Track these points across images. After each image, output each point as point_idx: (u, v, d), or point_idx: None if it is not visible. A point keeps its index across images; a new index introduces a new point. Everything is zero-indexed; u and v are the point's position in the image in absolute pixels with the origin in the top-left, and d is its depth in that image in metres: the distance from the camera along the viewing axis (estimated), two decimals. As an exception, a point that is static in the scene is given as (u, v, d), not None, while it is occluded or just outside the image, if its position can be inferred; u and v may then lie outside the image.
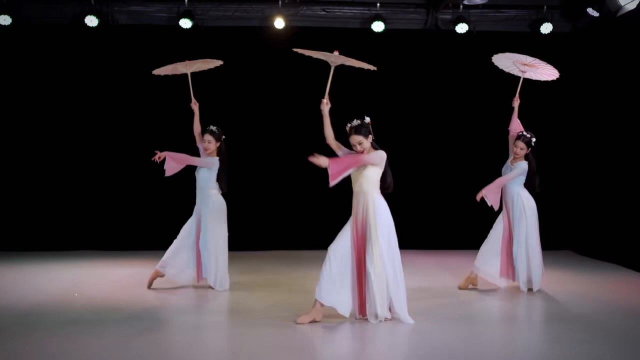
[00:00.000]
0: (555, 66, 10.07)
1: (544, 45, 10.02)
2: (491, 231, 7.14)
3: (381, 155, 5.54)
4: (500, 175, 7.11)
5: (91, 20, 9.29)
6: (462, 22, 9.62)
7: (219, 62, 7.24)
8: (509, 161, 7.18)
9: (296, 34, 9.64)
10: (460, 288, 7.06)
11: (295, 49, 6.03)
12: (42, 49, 9.70)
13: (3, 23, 9.24)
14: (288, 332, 5.27)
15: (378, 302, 5.43)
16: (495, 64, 7.59)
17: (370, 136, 5.57)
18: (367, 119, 5.64)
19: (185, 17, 9.35)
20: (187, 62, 7.04)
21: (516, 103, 7.31)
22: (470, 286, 7.08)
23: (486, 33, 9.95)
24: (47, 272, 8.03)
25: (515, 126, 7.23)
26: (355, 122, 5.59)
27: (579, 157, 9.99)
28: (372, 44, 9.88)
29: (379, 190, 5.59)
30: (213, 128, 6.91)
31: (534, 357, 4.85)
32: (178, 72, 7.27)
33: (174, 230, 7.10)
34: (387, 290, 5.46)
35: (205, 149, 6.88)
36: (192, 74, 7.19)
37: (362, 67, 6.19)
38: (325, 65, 9.78)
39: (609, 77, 9.22)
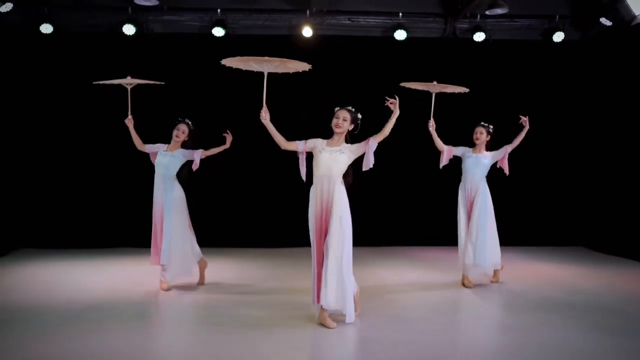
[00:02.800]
0: (567, 72, 10.26)
1: (556, 53, 10.15)
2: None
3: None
4: None
5: (129, 29, 9.34)
6: (479, 30, 9.69)
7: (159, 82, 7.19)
8: (470, 151, 7.10)
9: (323, 42, 9.74)
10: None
11: (223, 62, 5.67)
12: (81, 56, 9.77)
13: (45, 32, 9.30)
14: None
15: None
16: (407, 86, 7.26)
17: (352, 126, 5.46)
18: (360, 116, 5.55)
19: (218, 25, 9.41)
20: (130, 77, 7.02)
21: (432, 127, 7.12)
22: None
23: (501, 41, 10.04)
24: (89, 269, 8.12)
25: (441, 144, 7.15)
26: (350, 107, 5.50)
27: (591, 157, 10.08)
28: (394, 52, 9.98)
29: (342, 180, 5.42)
30: (188, 122, 7.02)
31: (571, 346, 4.92)
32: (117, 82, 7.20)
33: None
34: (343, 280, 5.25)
35: (177, 137, 6.91)
36: (147, 87, 7.19)
37: (297, 69, 5.82)
38: (351, 72, 9.97)
39: (619, 81, 9.32)
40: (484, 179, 7.04)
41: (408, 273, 7.91)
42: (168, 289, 6.71)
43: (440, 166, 7.19)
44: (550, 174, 10.26)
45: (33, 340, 4.95)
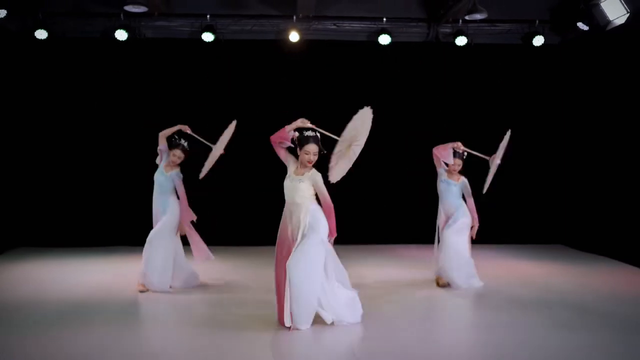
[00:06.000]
0: (547, 75, 10.25)
1: (536, 57, 10.14)
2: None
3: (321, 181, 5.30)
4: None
5: (121, 34, 9.31)
6: (461, 35, 9.65)
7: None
8: (444, 177, 6.97)
9: (309, 47, 9.73)
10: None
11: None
12: (75, 60, 9.76)
13: (40, 37, 9.27)
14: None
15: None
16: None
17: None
18: (317, 134, 5.34)
19: (207, 31, 9.38)
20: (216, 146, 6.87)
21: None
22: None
23: (483, 45, 10.01)
24: (84, 267, 8.12)
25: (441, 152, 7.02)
26: (311, 133, 5.29)
27: (569, 156, 10.07)
28: (378, 55, 9.97)
29: (314, 201, 5.31)
30: (185, 144, 6.82)
31: (540, 344, 4.91)
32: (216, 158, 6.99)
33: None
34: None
35: (174, 162, 6.80)
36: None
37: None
38: (337, 76, 9.95)
39: (597, 84, 9.30)
40: (461, 200, 6.95)
41: (386, 270, 7.88)
42: (145, 291, 6.63)
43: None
44: (530, 173, 10.23)
45: (24, 337, 4.94)
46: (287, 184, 5.32)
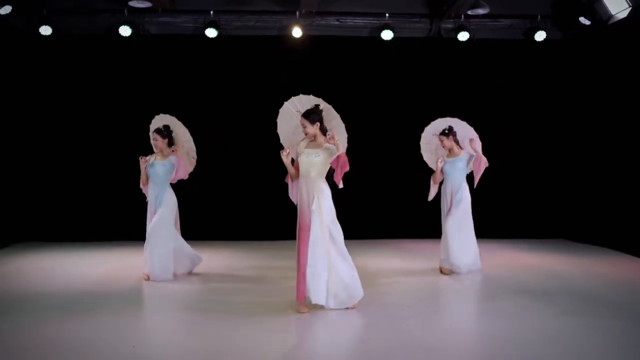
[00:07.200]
0: (549, 70, 10.27)
1: (538, 52, 10.15)
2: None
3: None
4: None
5: (125, 30, 9.34)
6: (463, 30, 9.67)
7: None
8: (447, 159, 7.12)
9: (312, 42, 9.76)
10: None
11: None
12: (79, 56, 9.81)
13: (44, 33, 9.30)
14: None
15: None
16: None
17: (318, 123, 5.44)
18: (321, 106, 5.50)
19: (210, 27, 9.41)
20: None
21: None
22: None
23: (485, 40, 10.03)
24: (87, 260, 8.14)
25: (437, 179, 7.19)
26: (309, 107, 5.51)
27: (570, 151, 10.09)
28: (381, 51, 10.00)
29: (325, 181, 5.47)
30: (160, 127, 6.95)
31: (549, 330, 4.93)
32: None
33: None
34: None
35: (159, 147, 6.90)
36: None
37: None
38: (340, 71, 9.99)
39: (599, 79, 9.32)
40: (464, 181, 7.09)
41: (390, 262, 7.91)
42: (148, 279, 6.71)
43: (429, 198, 7.25)
44: (532, 169, 10.26)
45: (30, 327, 4.96)
46: (303, 159, 5.43)
